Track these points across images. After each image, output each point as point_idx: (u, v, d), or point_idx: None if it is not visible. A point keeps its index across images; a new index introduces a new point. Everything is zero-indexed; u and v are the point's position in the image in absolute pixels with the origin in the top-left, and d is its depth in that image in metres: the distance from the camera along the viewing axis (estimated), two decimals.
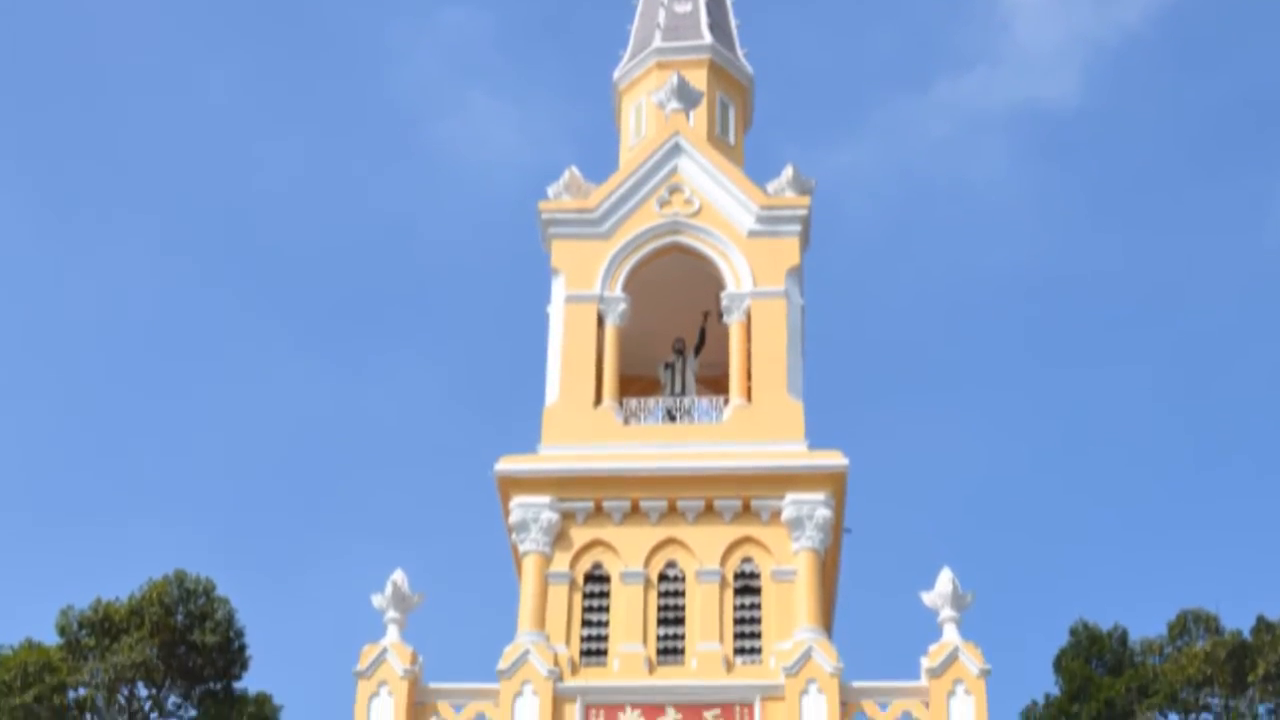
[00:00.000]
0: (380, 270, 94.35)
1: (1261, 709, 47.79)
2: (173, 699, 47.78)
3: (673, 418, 31.18)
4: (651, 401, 31.41)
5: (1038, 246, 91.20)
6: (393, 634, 28.23)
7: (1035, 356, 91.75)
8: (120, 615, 46.69)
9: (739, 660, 27.98)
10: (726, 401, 30.86)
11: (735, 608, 28.53)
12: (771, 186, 32.24)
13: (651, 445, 29.92)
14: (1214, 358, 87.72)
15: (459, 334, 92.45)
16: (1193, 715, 48.32)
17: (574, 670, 27.91)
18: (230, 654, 48.16)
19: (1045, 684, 51.85)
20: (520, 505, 29.21)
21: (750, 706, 27.22)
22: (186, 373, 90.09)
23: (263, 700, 48.02)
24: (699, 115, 33.21)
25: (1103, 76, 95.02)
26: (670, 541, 29.04)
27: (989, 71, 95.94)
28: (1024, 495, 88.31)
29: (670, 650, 28.21)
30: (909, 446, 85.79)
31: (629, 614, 28.46)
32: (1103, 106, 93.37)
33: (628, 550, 28.94)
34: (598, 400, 30.72)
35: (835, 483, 29.09)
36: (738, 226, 31.73)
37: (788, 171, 32.30)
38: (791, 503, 28.70)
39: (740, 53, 35.84)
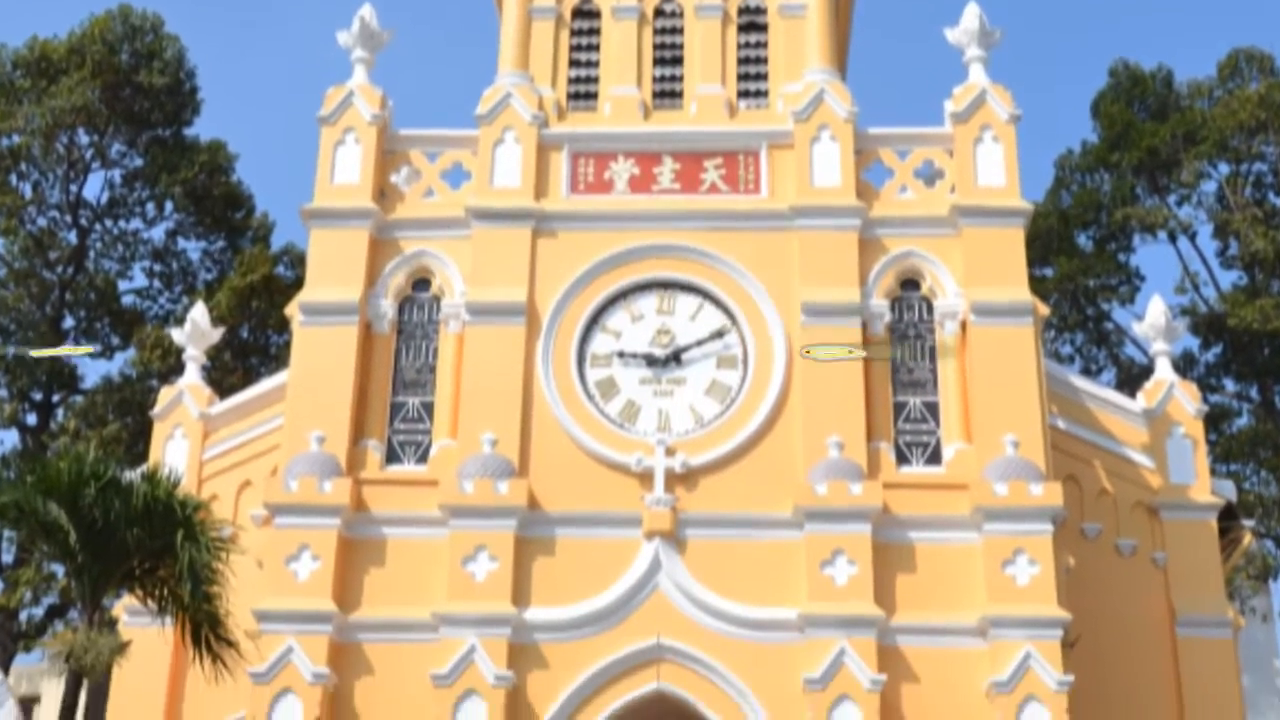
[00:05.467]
0: None
1: None
2: (117, 146, 47.89)
3: None
4: None
5: None
6: (360, 75, 28.28)
7: None
8: (58, 54, 46.27)
9: (743, 104, 28.11)
10: None
11: (739, 46, 28.52)
12: None
13: None
14: None
15: None
16: (1245, 164, 48.56)
17: (561, 115, 28.08)
18: (180, 97, 47.99)
19: (1082, 131, 52.33)
20: None
21: (755, 154, 27.48)
22: None
23: (216, 148, 48.14)
24: None
25: None
26: None
27: None
28: None
29: (667, 93, 28.32)
30: None
31: (621, 53, 28.44)
32: None
33: None
34: None
35: None
36: None
37: None
38: None
39: None
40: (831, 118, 27.22)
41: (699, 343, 26.34)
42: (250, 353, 46.12)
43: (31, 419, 45.79)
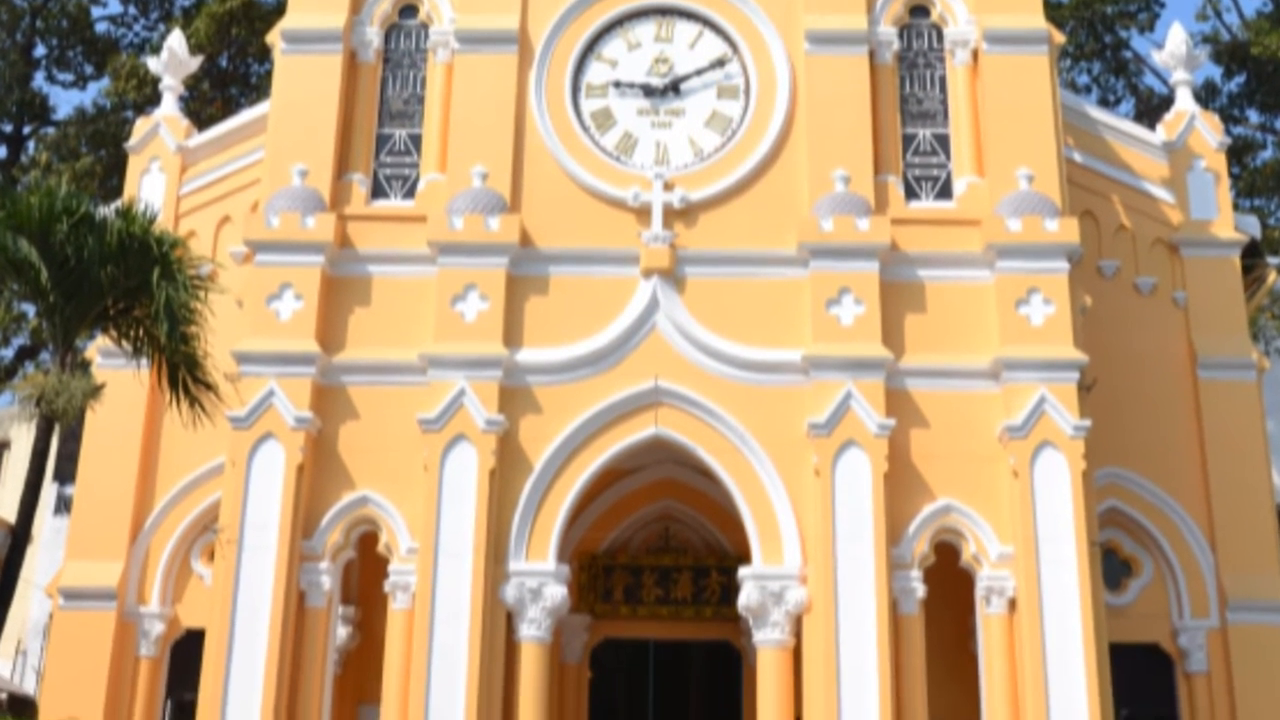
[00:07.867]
0: None
1: None
2: None
3: None
4: None
5: None
6: None
7: None
8: None
9: None
10: None
11: None
12: None
13: None
14: None
15: None
16: None
17: None
18: None
19: None
20: None
21: None
22: None
23: None
24: None
25: None
26: None
27: None
28: None
29: None
30: None
31: None
32: None
33: None
34: None
35: None
36: None
37: None
38: None
39: None
40: None
41: (699, 72, 25.58)
42: (230, 82, 45.39)
43: (1, 152, 45.20)
